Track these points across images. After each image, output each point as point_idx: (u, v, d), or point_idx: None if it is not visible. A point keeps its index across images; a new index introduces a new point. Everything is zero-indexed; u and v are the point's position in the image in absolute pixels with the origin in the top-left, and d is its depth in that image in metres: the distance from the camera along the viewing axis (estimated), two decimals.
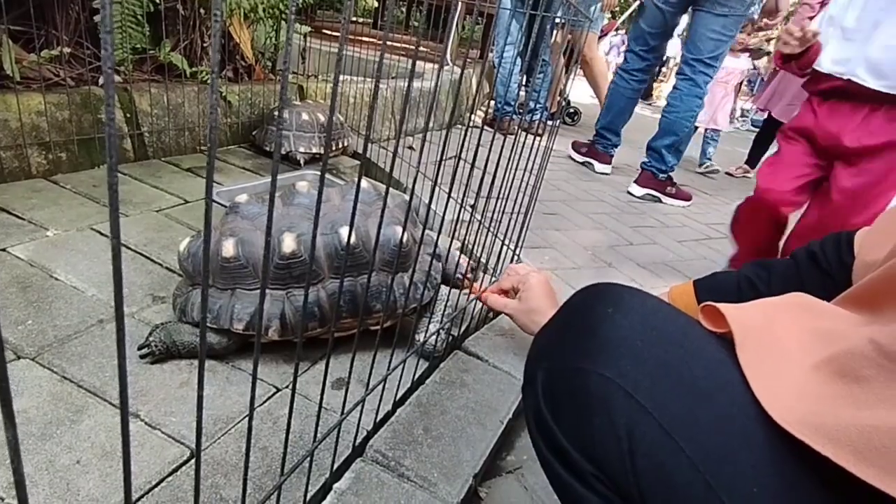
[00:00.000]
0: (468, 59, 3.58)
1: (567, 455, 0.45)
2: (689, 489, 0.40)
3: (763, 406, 0.40)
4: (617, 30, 6.71)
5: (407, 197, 1.05)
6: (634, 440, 0.41)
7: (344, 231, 0.86)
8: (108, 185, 0.25)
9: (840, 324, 0.46)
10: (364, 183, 0.97)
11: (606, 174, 3.01)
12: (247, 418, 0.76)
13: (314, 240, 0.48)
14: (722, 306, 0.48)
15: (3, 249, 0.99)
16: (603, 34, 3.83)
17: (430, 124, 2.85)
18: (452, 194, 0.81)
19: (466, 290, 1.05)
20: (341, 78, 2.50)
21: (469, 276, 1.03)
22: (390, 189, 0.63)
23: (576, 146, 3.19)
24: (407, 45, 3.70)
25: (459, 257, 1.06)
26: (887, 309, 0.46)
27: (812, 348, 0.44)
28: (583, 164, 3.10)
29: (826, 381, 0.40)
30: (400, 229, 0.89)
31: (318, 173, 1.68)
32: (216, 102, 0.31)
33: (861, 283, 0.49)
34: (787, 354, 0.44)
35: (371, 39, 3.22)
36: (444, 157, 0.65)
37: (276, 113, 1.78)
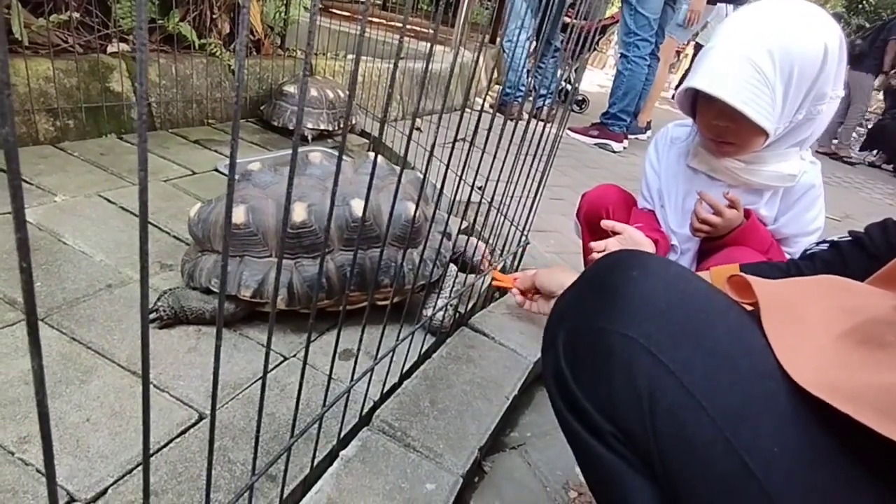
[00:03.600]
0: (477, 43, 3.55)
1: (586, 414, 0.45)
2: (709, 448, 0.40)
3: (785, 369, 0.40)
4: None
5: (419, 174, 1.04)
6: (655, 399, 0.41)
7: (355, 203, 0.86)
8: (138, 103, 0.25)
9: (867, 300, 0.46)
10: (378, 157, 0.96)
11: (621, 151, 3.25)
12: (254, 384, 0.77)
13: (331, 211, 0.47)
14: (750, 277, 0.47)
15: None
16: (614, 21, 3.78)
17: (441, 108, 2.83)
18: (460, 176, 0.80)
19: (487, 275, 1.04)
20: (350, 57, 2.46)
21: (488, 257, 1.04)
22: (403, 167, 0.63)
23: (579, 130, 3.28)
24: (416, 28, 3.66)
25: (477, 243, 1.05)
26: None
27: (837, 322, 0.44)
28: (597, 145, 3.23)
29: (850, 348, 0.40)
30: (412, 205, 0.88)
31: (326, 150, 1.67)
32: (243, 61, 0.31)
33: (893, 261, 0.49)
34: (812, 326, 0.44)
35: (380, 20, 3.19)
36: (455, 139, 0.65)
37: (285, 88, 1.77)
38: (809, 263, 0.70)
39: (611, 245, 1.00)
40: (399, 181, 0.57)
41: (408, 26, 0.50)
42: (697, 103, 0.97)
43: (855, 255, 0.65)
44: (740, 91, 0.84)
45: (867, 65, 5.29)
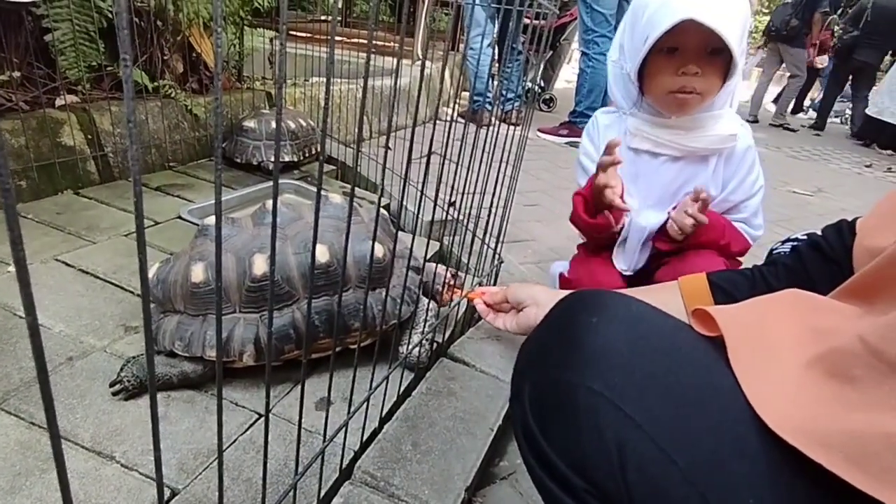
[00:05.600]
0: (438, 52, 3.54)
1: (557, 470, 0.44)
2: (683, 503, 0.39)
3: (757, 412, 0.39)
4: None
5: (385, 211, 1.02)
6: (625, 454, 0.40)
7: (318, 250, 0.84)
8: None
9: (834, 319, 0.45)
10: (338, 198, 0.94)
11: None
12: (230, 448, 0.74)
13: (273, 258, 0.46)
14: (713, 310, 0.47)
15: None
16: (572, 18, 3.81)
17: (401, 122, 2.82)
18: (430, 193, 0.78)
19: (453, 300, 1.03)
20: (313, 80, 2.42)
21: (451, 282, 1.02)
22: (368, 201, 0.61)
23: (549, 130, 3.29)
24: (378, 42, 3.64)
25: (436, 269, 1.03)
26: (878, 301, 0.45)
27: (805, 346, 0.43)
28: (568, 144, 3.24)
29: (819, 381, 0.40)
30: (376, 245, 0.86)
31: (292, 182, 1.64)
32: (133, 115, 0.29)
33: (857, 274, 0.49)
34: (780, 355, 0.43)
35: (341, 38, 3.16)
36: (412, 155, 0.63)
37: (245, 123, 1.74)
38: (773, 269, 0.70)
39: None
40: (350, 215, 0.55)
41: (367, 40, 0.48)
42: (650, 65, 0.97)
43: (814, 260, 0.65)
44: (727, 25, 0.86)
45: (801, 40, 5.43)
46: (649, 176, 1.07)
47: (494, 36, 3.06)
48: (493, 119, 1.11)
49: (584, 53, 3.09)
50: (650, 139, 1.03)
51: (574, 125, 3.23)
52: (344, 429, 0.69)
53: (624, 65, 1.04)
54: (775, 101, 6.67)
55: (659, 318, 0.47)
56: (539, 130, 3.32)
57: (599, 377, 0.42)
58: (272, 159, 1.69)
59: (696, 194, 0.96)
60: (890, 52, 5.82)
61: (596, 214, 1.05)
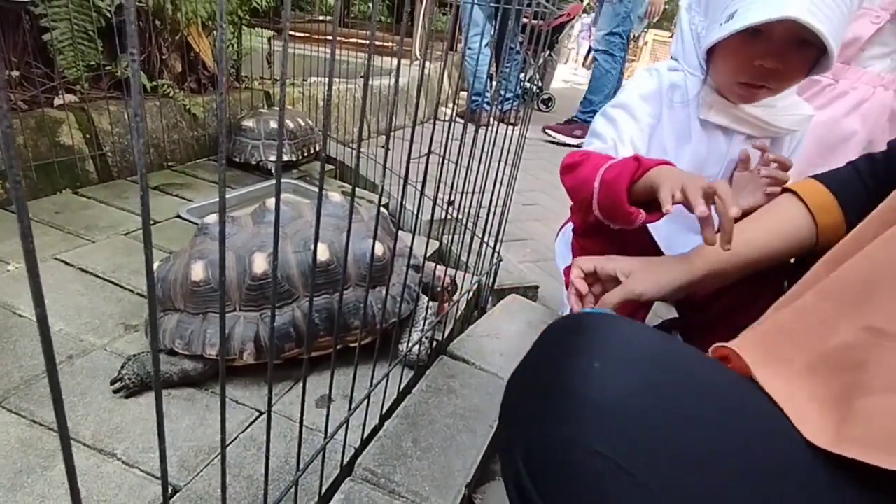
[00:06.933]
0: (437, 52, 3.55)
1: None
2: None
3: (816, 444, 0.35)
4: (585, 11, 6.70)
5: (384, 209, 1.02)
6: None
7: (320, 247, 0.84)
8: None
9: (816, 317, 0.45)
10: (338, 196, 0.94)
11: None
12: (230, 446, 0.74)
13: (275, 256, 0.46)
14: (739, 348, 0.43)
15: None
16: (570, 17, 3.81)
17: (399, 122, 2.82)
18: (429, 192, 0.78)
19: (461, 299, 1.03)
20: (311, 80, 2.42)
21: (449, 289, 1.02)
22: (367, 200, 0.61)
23: (561, 130, 3.28)
24: (377, 43, 3.63)
25: (436, 270, 1.04)
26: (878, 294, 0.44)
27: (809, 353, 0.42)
28: (577, 145, 3.25)
29: (830, 377, 0.38)
30: (376, 243, 0.87)
31: (291, 181, 1.65)
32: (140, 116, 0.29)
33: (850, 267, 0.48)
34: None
35: (339, 38, 3.16)
36: (411, 155, 0.63)
37: (244, 123, 1.74)
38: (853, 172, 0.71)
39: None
40: (351, 213, 0.56)
41: (366, 41, 0.48)
42: (720, 47, 0.79)
43: (867, 167, 0.67)
44: (833, 25, 0.69)
45: None
46: (719, 157, 0.90)
47: (493, 36, 3.07)
48: (491, 119, 1.11)
49: (609, 53, 3.11)
50: (729, 113, 0.86)
51: (588, 125, 3.24)
52: (345, 426, 0.69)
53: (695, 19, 0.87)
54: None
55: (674, 353, 0.41)
56: (548, 129, 3.29)
57: (604, 436, 0.37)
58: (271, 158, 1.69)
59: (762, 154, 0.82)
60: None
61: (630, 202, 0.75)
